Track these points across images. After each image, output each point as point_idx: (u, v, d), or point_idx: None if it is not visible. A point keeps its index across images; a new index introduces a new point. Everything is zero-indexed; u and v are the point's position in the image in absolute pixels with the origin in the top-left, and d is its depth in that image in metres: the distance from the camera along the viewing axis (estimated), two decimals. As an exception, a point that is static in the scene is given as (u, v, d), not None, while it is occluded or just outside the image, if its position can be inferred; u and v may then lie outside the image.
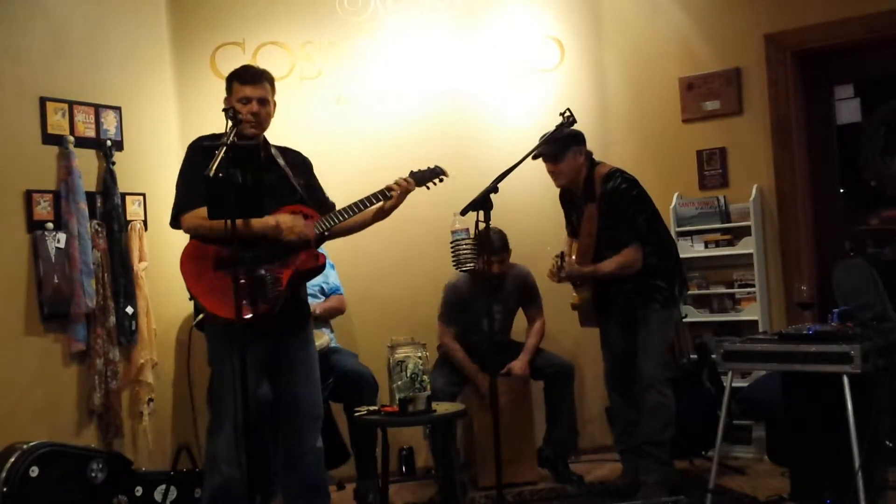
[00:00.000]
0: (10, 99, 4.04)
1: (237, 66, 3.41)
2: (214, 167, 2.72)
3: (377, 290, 4.92)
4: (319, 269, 3.29)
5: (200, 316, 3.27)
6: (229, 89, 3.29)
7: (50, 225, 4.07)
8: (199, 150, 3.05)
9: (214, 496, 3.18)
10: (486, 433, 3.99)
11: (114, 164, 4.36)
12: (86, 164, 4.24)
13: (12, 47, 4.06)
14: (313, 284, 4.35)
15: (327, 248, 4.49)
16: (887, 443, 3.51)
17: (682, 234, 4.86)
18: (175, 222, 3.25)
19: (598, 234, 3.91)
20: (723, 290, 4.85)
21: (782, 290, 4.73)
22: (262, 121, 3.25)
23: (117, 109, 4.44)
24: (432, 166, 3.48)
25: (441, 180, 3.49)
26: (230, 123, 3.00)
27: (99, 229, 4.26)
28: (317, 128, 4.82)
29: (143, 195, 4.52)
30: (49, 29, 4.21)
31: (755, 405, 4.23)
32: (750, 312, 4.70)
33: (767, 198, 4.78)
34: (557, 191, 4.18)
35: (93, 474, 3.71)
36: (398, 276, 4.94)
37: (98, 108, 4.35)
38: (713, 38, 4.93)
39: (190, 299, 3.24)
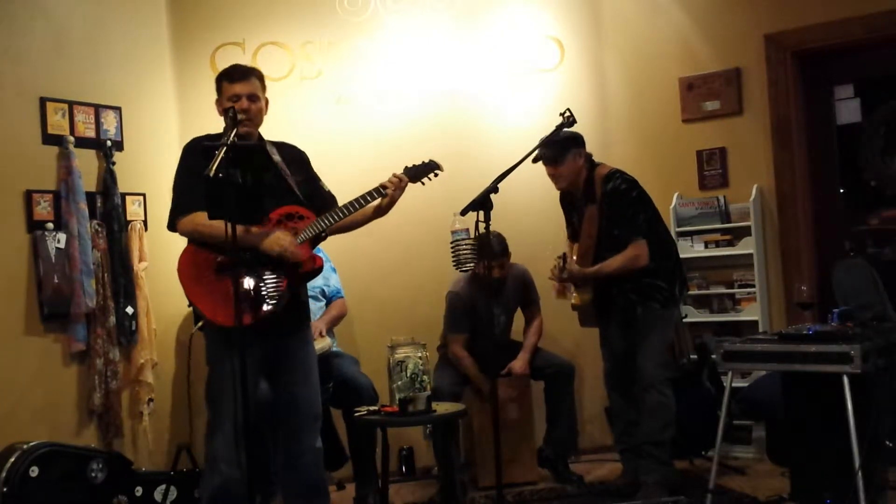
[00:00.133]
0: (10, 99, 4.05)
1: (237, 66, 3.41)
2: (214, 167, 2.72)
3: (377, 290, 4.92)
4: (318, 270, 3.29)
5: (200, 323, 3.26)
6: (219, 90, 3.27)
7: (50, 225, 4.07)
8: (199, 151, 3.04)
9: (215, 496, 3.17)
10: (486, 433, 3.99)
11: (114, 164, 4.36)
12: (86, 164, 4.24)
13: (12, 47, 4.06)
14: (314, 287, 4.35)
15: (328, 249, 4.51)
16: (887, 443, 3.51)
17: (682, 234, 4.86)
18: (172, 226, 3.23)
19: (599, 235, 3.91)
20: (723, 290, 4.85)
21: (782, 290, 4.73)
22: (254, 117, 3.23)
23: (117, 109, 4.44)
24: (427, 160, 3.44)
25: (436, 174, 3.45)
26: (230, 123, 2.99)
27: (99, 229, 4.26)
28: (317, 128, 4.82)
29: (143, 195, 4.52)
30: (49, 29, 4.22)
31: (755, 405, 4.22)
32: (750, 312, 4.70)
33: (767, 198, 4.78)
34: (557, 192, 4.18)
35: (93, 474, 3.71)
36: (398, 276, 4.94)
37: (98, 108, 4.35)
38: (713, 38, 4.93)
39: (189, 305, 3.24)
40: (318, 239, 3.29)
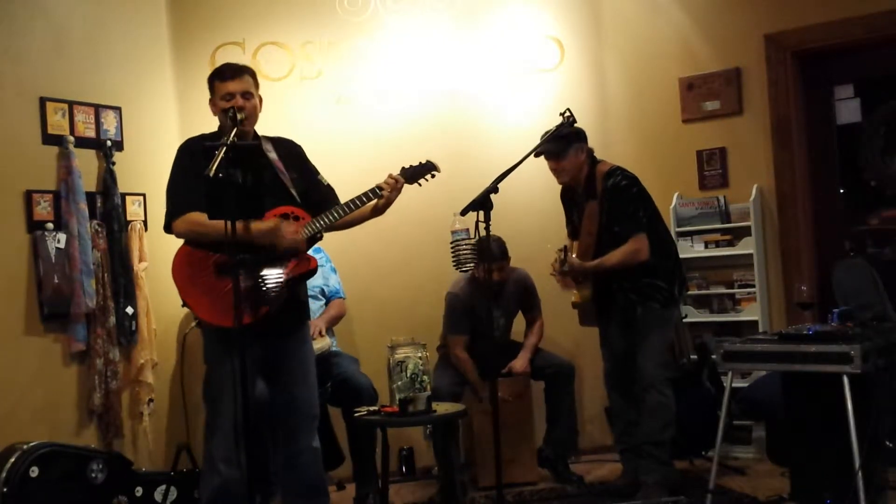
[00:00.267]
0: (10, 99, 4.04)
1: (238, 66, 3.40)
2: (214, 167, 2.71)
3: (377, 290, 4.92)
4: (312, 271, 3.28)
5: (198, 320, 3.25)
6: (212, 89, 3.26)
7: (50, 225, 4.07)
8: (196, 151, 3.04)
9: (214, 497, 3.17)
10: (486, 433, 3.99)
11: (114, 164, 4.36)
12: (86, 164, 4.24)
13: (12, 47, 4.06)
14: (313, 286, 4.35)
15: (329, 249, 4.51)
16: (887, 443, 3.51)
17: (682, 234, 4.86)
18: (168, 228, 3.21)
19: (599, 232, 3.91)
20: (723, 290, 4.85)
21: (782, 290, 4.73)
22: (250, 115, 3.21)
23: (117, 109, 4.44)
24: (423, 161, 3.43)
25: (433, 175, 3.44)
26: (230, 124, 2.99)
27: (99, 229, 4.26)
28: (317, 128, 4.82)
29: (143, 195, 4.52)
30: (49, 29, 4.21)
31: (755, 405, 4.23)
32: (750, 313, 4.70)
33: (767, 198, 4.78)
34: (558, 191, 4.19)
35: (93, 474, 3.71)
36: (398, 276, 4.93)
37: (98, 108, 4.35)
38: (713, 38, 4.93)
39: (183, 306, 3.23)
40: (313, 239, 3.28)
